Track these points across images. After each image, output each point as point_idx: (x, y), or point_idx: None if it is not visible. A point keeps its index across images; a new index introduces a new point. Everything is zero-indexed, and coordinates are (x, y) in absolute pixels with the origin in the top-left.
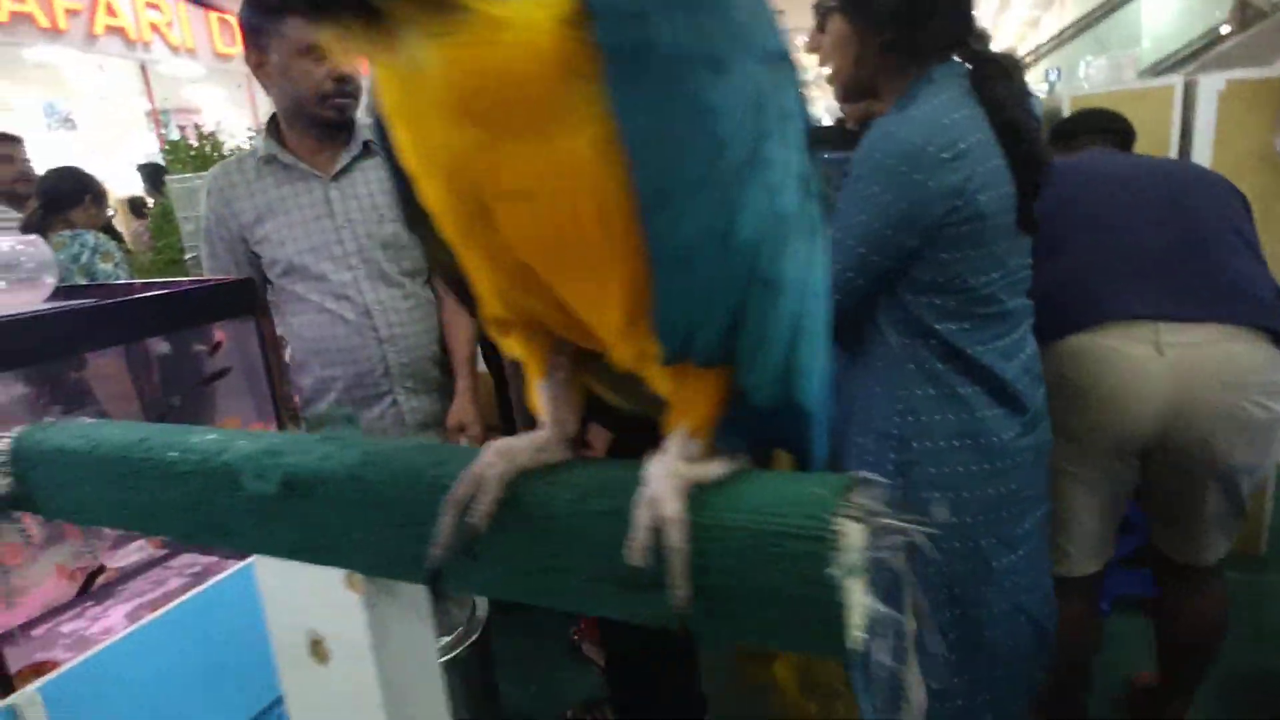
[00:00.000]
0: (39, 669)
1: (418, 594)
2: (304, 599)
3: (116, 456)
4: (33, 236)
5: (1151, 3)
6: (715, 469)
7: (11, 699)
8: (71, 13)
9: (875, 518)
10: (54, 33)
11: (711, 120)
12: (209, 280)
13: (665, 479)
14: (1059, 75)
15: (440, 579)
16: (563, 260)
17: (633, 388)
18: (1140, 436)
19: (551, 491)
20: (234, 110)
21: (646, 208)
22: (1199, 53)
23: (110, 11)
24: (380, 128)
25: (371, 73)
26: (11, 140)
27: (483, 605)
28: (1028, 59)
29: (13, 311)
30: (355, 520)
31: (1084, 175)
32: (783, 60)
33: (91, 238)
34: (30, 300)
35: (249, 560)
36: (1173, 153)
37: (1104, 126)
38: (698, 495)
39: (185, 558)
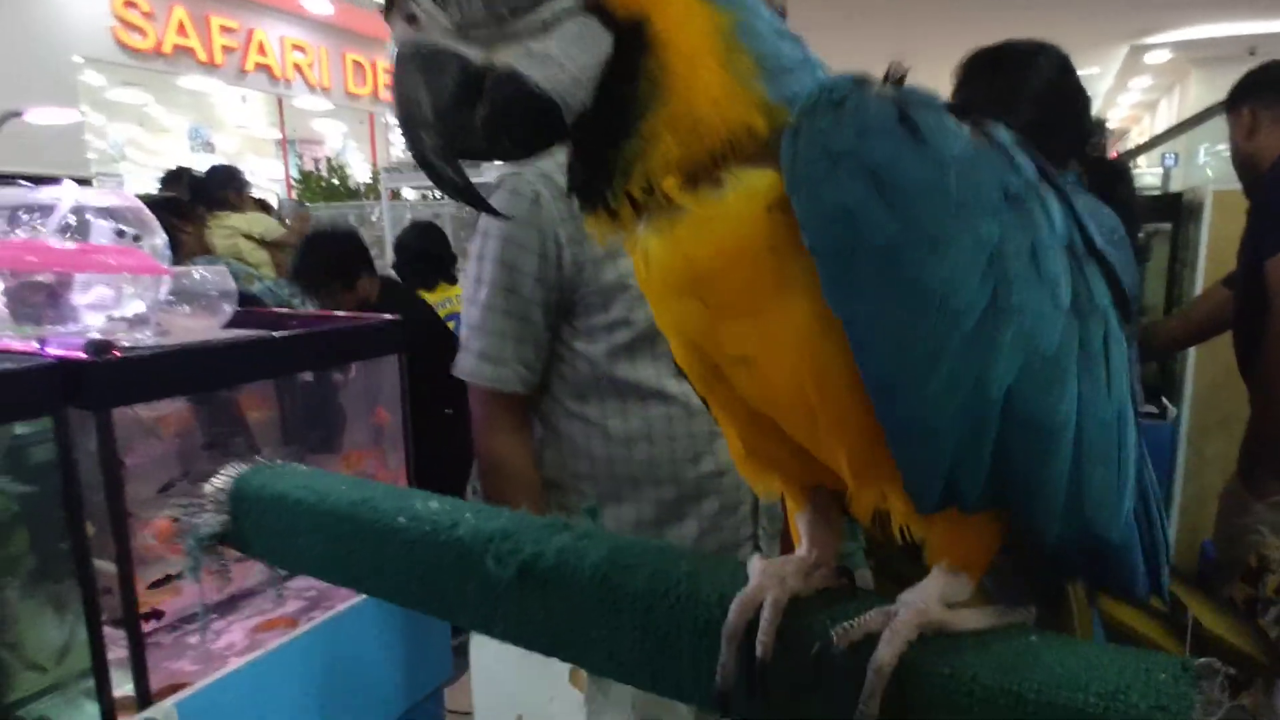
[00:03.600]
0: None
1: (625, 694)
2: (517, 684)
3: (341, 513)
4: (220, 265)
5: None
6: (974, 619)
7: (150, 711)
8: (228, 49)
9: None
10: (210, 67)
11: (933, 298)
12: (361, 317)
13: (910, 617)
14: (1175, 161)
15: (729, 706)
16: (792, 416)
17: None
18: None
19: (826, 628)
20: (353, 143)
21: (875, 389)
22: None
23: (261, 51)
24: None
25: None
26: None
27: None
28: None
29: (193, 335)
30: (593, 620)
31: None
32: (1027, 192)
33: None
34: (210, 326)
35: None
36: None
37: None
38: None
39: (301, 581)
